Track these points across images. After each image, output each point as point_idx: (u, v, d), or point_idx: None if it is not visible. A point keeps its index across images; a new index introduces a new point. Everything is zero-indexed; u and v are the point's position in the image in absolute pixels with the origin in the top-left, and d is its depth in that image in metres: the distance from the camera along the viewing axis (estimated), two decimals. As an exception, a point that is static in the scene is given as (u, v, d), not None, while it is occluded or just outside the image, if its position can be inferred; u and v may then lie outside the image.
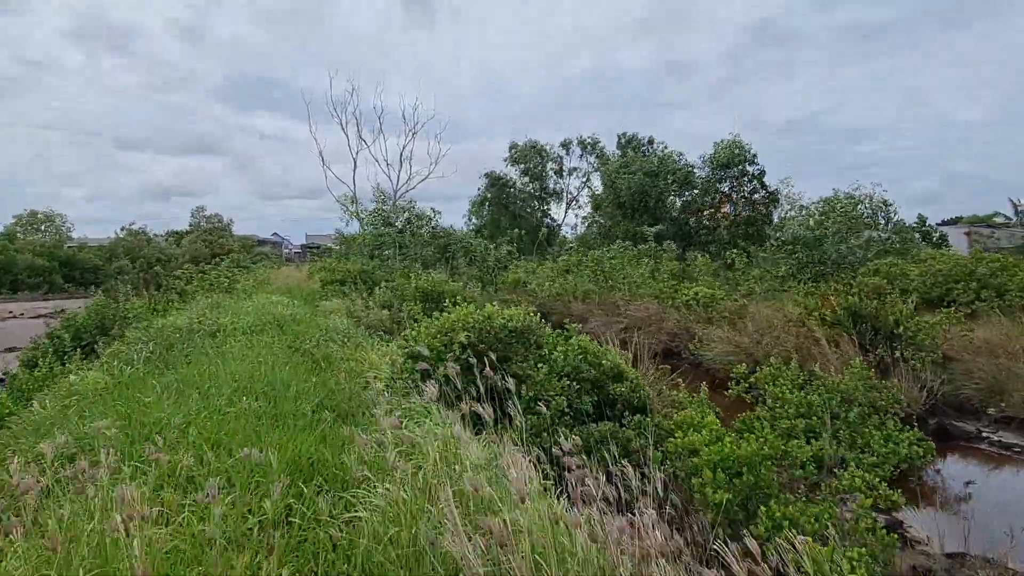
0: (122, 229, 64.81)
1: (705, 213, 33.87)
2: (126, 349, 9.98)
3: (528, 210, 58.38)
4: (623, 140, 49.74)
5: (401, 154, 51.82)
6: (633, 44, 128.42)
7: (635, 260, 23.89)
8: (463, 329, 7.60)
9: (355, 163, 50.58)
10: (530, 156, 56.31)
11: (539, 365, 7.67)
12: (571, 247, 44.01)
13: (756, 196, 33.00)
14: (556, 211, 58.85)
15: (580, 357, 7.98)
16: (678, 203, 34.74)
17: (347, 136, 50.68)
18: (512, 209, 56.22)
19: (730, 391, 9.72)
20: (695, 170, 34.10)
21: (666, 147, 42.16)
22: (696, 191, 33.99)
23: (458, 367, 4.88)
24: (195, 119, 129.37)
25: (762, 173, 32.82)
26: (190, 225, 70.56)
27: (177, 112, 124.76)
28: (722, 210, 33.39)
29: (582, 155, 57.35)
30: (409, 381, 6.85)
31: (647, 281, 22.16)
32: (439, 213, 27.64)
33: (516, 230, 50.49)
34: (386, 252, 24.97)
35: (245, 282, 23.94)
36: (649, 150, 45.24)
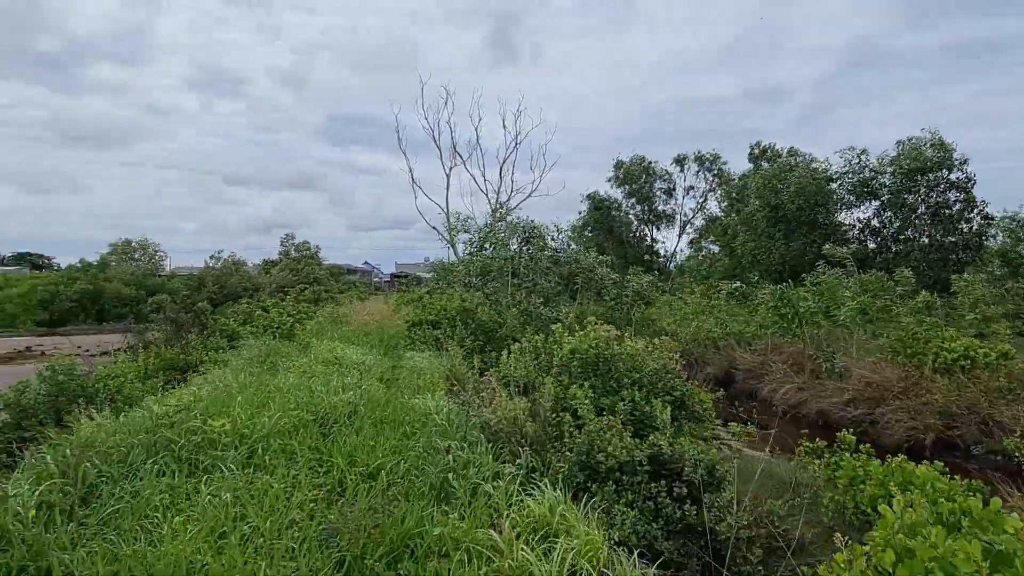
0: (211, 257, 63.16)
1: (890, 230, 26.37)
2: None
3: (634, 235, 52.08)
4: (756, 151, 42.53)
5: (501, 168, 46.47)
6: (718, 71, 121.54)
7: (853, 295, 16.99)
8: None
9: (448, 180, 45.70)
10: (636, 175, 49.97)
11: None
12: (695, 275, 37.32)
13: (958, 211, 25.23)
14: (666, 235, 52.23)
15: None
16: (850, 217, 27.34)
17: (439, 149, 45.95)
18: (617, 233, 50.07)
19: None
20: (877, 176, 26.58)
21: (813, 157, 34.74)
22: (878, 203, 26.54)
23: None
24: (295, 157, 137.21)
25: (970, 182, 25.07)
26: (279, 253, 68.52)
27: (279, 151, 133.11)
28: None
29: (699, 172, 50.60)
30: None
31: (879, 324, 15.34)
32: (563, 231, 21.80)
33: (625, 256, 44.26)
34: (495, 283, 19.31)
35: (313, 322, 18.91)
36: (791, 163, 37.91)
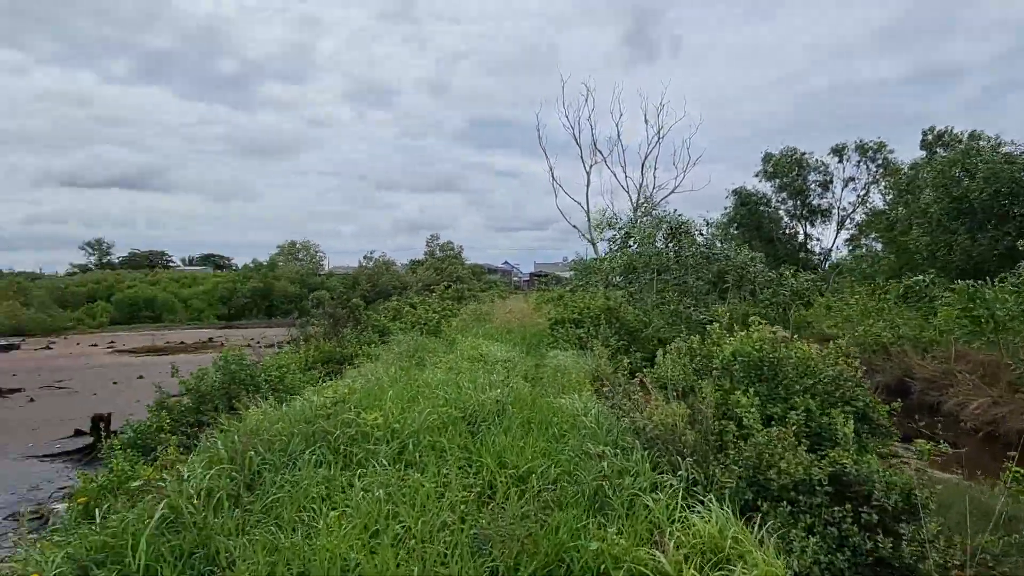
0: (364, 258, 67.29)
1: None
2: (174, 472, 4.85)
3: (784, 231, 48.53)
4: (929, 137, 38.03)
5: (642, 165, 45.13)
6: (877, 54, 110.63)
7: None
8: None
9: (588, 178, 45.16)
10: (788, 168, 46.50)
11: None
12: (855, 274, 33.96)
13: None
14: (821, 232, 48.11)
15: None
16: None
17: (579, 147, 45.50)
18: (766, 230, 46.89)
19: None
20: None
21: (1001, 140, 30.17)
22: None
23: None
24: (438, 160, 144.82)
25: None
26: (424, 253, 71.60)
27: (424, 155, 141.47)
28: None
29: (860, 162, 46.18)
30: None
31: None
32: (711, 225, 20.63)
33: (774, 254, 41.31)
34: (639, 281, 18.61)
35: (457, 319, 19.28)
36: (975, 147, 33.26)
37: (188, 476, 4.75)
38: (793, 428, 5.77)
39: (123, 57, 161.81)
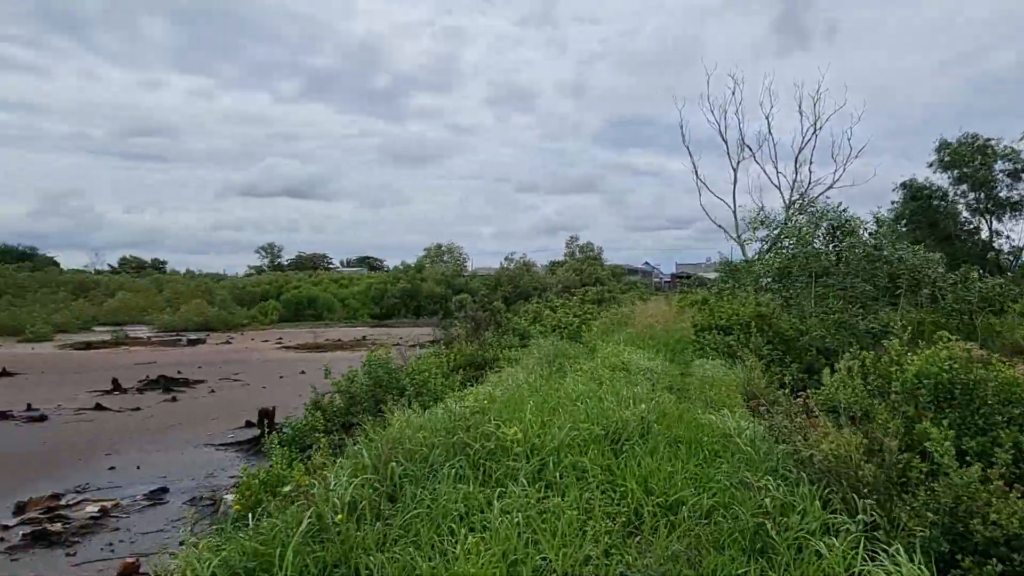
0: (505, 259, 68.61)
1: None
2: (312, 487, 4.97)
3: (964, 228, 43.02)
4: None
5: (796, 159, 42.02)
6: None
7: None
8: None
9: (735, 175, 42.87)
10: (968, 156, 41.15)
11: None
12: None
13: None
14: (1011, 228, 42.12)
15: None
16: None
17: (725, 143, 43.29)
18: (942, 227, 41.81)
19: None
20: None
21: None
22: None
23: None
24: (577, 162, 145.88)
25: None
26: (564, 255, 71.75)
27: (563, 157, 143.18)
28: None
29: (1060, 144, 39.79)
30: None
31: None
32: (882, 223, 18.59)
33: (952, 254, 36.71)
34: (795, 285, 17.17)
35: (598, 323, 18.88)
36: None
37: (334, 484, 4.83)
38: (999, 469, 4.87)
39: (292, 78, 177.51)
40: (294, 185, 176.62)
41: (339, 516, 4.21)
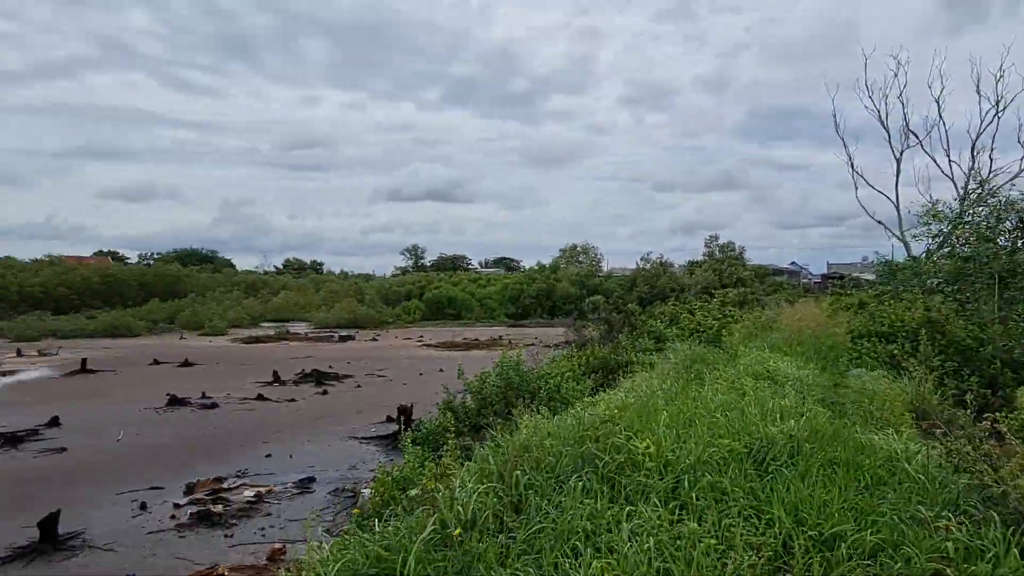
0: (641, 259, 67.16)
1: None
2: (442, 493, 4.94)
3: None
4: None
5: (974, 144, 37.12)
6: None
7: None
8: None
9: (897, 166, 38.83)
10: None
11: None
12: None
13: None
14: None
15: None
16: None
17: (887, 131, 39.31)
18: None
19: None
20: None
21: None
22: None
23: None
24: (717, 158, 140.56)
25: None
26: (703, 254, 69.00)
27: (702, 154, 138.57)
28: None
29: None
30: None
31: None
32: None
33: None
34: (974, 286, 15.06)
35: (739, 327, 17.76)
36: None
37: (459, 491, 4.76)
38: None
39: (434, 87, 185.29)
40: (436, 188, 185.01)
41: (456, 531, 4.11)
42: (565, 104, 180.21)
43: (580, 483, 4.91)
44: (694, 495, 4.68)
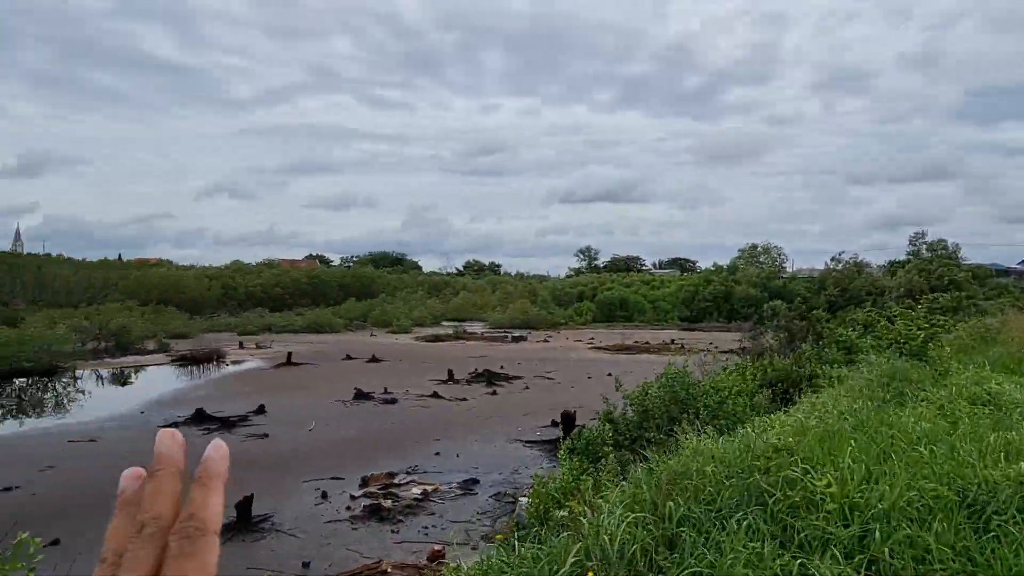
0: (832, 259, 61.41)
1: None
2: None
3: None
4: None
5: None
6: None
7: None
8: None
9: None
10: None
11: None
12: None
13: None
14: None
15: None
16: None
17: None
18: None
19: None
20: None
21: None
22: None
23: None
24: (924, 145, 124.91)
25: None
26: (907, 253, 61.50)
27: (905, 141, 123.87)
28: None
29: None
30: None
31: None
32: None
33: None
34: None
35: (952, 338, 15.33)
36: None
37: (607, 518, 4.44)
38: None
39: (607, 88, 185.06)
40: (610, 189, 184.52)
41: (609, 552, 3.79)
42: (745, 96, 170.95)
43: (745, 522, 4.35)
44: (887, 550, 3.93)
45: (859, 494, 4.62)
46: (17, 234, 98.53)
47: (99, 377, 26.42)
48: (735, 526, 4.28)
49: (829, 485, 4.57)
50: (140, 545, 0.43)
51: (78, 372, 26.77)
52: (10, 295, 51.99)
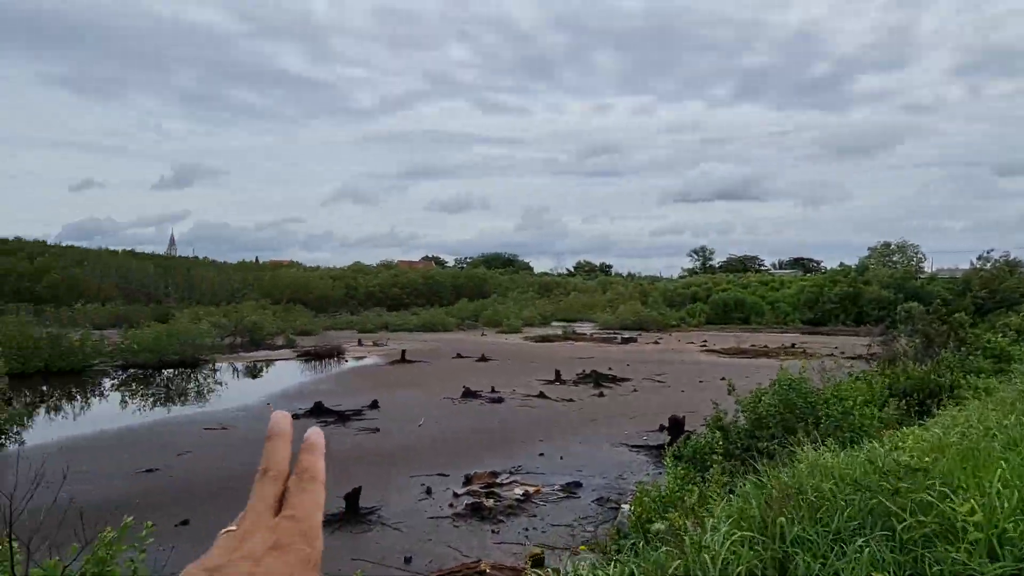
0: (979, 258, 55.59)
1: None
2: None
3: None
4: None
5: None
6: None
7: None
8: None
9: None
10: None
11: None
12: None
13: None
14: None
15: None
16: None
17: None
18: None
19: None
20: None
21: None
22: None
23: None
24: None
25: None
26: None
27: None
28: None
29: None
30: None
31: None
32: None
33: None
34: None
35: None
36: None
37: (710, 536, 4.13)
38: None
39: (724, 82, 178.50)
40: (726, 188, 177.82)
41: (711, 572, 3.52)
42: (877, 84, 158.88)
43: (867, 549, 3.90)
44: (1044, 593, 3.37)
45: (1010, 524, 4.02)
46: (172, 239, 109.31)
47: (234, 370, 28.62)
48: (855, 553, 3.85)
49: (973, 512, 4.00)
50: (265, 483, 0.55)
51: (217, 365, 29.12)
52: (164, 294, 57.87)
